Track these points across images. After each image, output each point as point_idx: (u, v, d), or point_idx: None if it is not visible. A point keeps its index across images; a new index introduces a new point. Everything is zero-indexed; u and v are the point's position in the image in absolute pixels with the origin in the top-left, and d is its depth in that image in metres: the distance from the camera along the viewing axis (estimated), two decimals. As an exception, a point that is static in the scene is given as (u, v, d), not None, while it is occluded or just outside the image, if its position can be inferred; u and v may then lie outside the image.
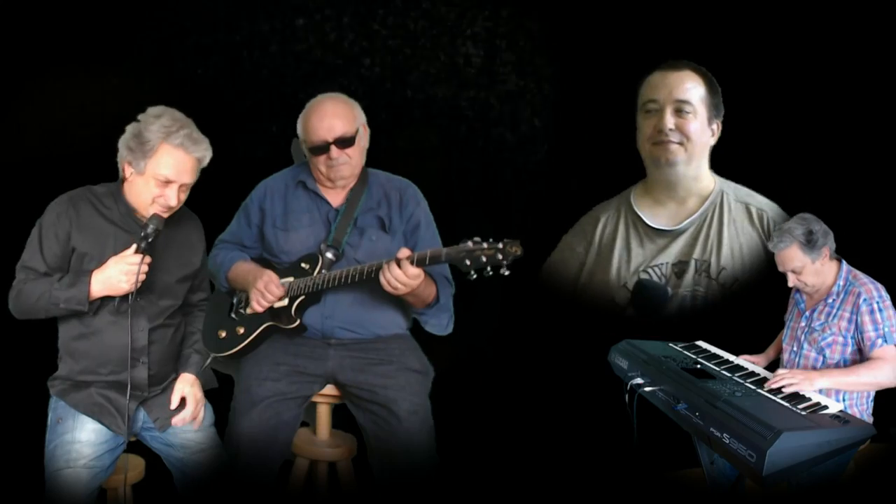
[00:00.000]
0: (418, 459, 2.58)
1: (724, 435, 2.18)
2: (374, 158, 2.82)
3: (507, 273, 2.36)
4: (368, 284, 2.59)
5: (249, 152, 3.50)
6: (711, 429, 2.23)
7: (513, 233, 2.38)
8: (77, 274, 2.43)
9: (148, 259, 2.41)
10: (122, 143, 2.44)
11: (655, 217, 3.15)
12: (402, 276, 2.45)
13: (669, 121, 3.02)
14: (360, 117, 2.73)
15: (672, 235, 3.10)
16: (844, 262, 2.59)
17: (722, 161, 3.15)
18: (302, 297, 2.67)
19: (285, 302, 2.67)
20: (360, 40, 3.57)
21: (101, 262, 2.43)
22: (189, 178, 2.43)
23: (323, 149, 2.66)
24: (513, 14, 3.56)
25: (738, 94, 3.17)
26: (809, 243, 2.51)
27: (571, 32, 3.46)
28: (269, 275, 2.65)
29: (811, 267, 2.54)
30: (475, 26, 3.57)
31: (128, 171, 2.44)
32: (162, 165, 2.39)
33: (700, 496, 2.69)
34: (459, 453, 3.04)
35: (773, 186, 3.14)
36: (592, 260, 3.24)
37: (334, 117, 2.65)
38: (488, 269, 2.36)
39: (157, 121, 2.39)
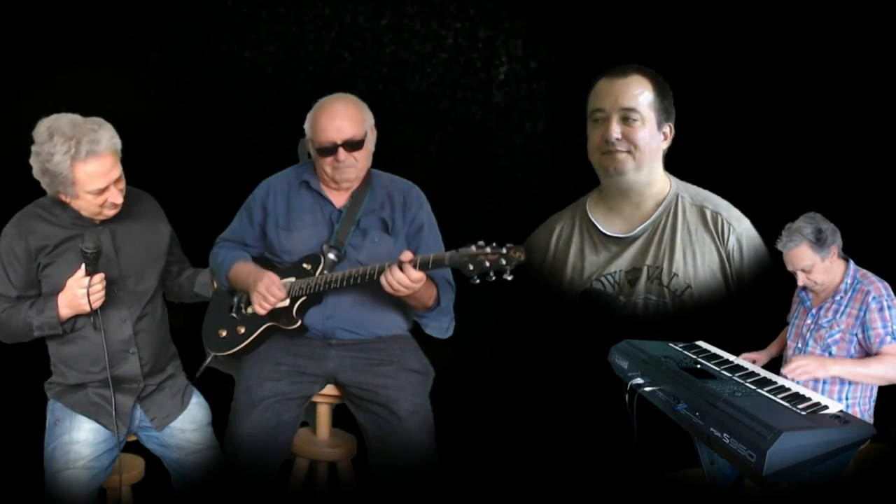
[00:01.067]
0: (418, 459, 2.58)
1: (724, 435, 2.18)
2: (376, 159, 2.82)
3: (510, 278, 2.36)
4: (370, 286, 2.59)
5: (251, 151, 3.50)
6: (711, 429, 2.23)
7: (513, 236, 2.38)
8: (45, 299, 2.44)
9: (99, 276, 2.40)
10: (38, 176, 2.39)
11: (610, 224, 3.10)
12: (405, 280, 2.45)
13: (615, 130, 2.95)
14: (369, 119, 2.72)
15: (625, 242, 3.05)
16: (851, 260, 2.59)
17: (704, 163, 3.14)
18: (303, 298, 2.66)
19: (287, 302, 2.67)
20: (362, 41, 3.57)
21: (67, 268, 2.44)
22: (117, 171, 2.40)
23: (331, 150, 2.65)
24: (513, 15, 3.57)
25: (726, 95, 3.17)
26: (819, 242, 2.51)
27: (572, 34, 3.46)
28: (271, 277, 2.65)
29: (821, 265, 2.54)
30: (476, 28, 3.57)
31: (63, 197, 2.42)
32: (88, 183, 2.35)
33: (700, 496, 2.69)
34: (459, 453, 3.04)
35: (755, 189, 3.13)
36: (548, 270, 3.22)
37: (344, 119, 2.65)
38: (491, 273, 2.36)
39: (52, 147, 2.31)
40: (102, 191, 2.39)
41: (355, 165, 2.69)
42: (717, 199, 3.05)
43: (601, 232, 3.09)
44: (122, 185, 2.45)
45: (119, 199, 2.43)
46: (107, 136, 2.36)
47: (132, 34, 3.40)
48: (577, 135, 3.21)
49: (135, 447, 2.65)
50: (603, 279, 3.07)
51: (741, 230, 2.97)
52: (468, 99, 3.62)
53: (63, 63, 3.26)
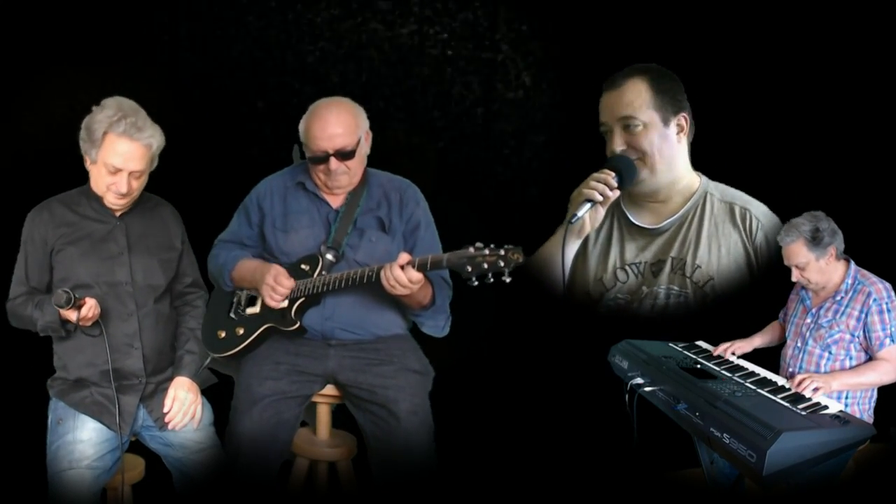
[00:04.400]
0: (417, 460, 2.58)
1: (724, 435, 2.18)
2: (375, 159, 2.82)
3: (508, 280, 2.36)
4: (368, 287, 2.59)
5: (249, 152, 3.50)
6: (711, 429, 2.24)
7: (512, 238, 2.38)
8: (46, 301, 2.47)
9: (89, 305, 2.40)
10: (80, 137, 2.51)
11: (639, 216, 3.13)
12: (404, 279, 2.45)
13: (618, 143, 2.94)
14: (363, 125, 2.71)
15: (653, 234, 3.08)
16: (852, 261, 2.59)
17: (719, 162, 3.14)
18: (302, 299, 2.66)
19: (285, 303, 2.67)
20: (360, 41, 3.57)
21: (78, 258, 2.50)
22: (138, 165, 2.48)
23: (322, 159, 2.65)
24: (513, 15, 3.57)
25: (742, 95, 3.16)
26: (815, 240, 2.51)
27: (573, 33, 3.46)
28: (277, 268, 2.65)
29: (815, 264, 2.54)
30: (474, 26, 3.57)
31: (87, 162, 2.53)
32: (110, 155, 2.45)
33: (700, 496, 2.69)
34: (459, 454, 3.04)
35: (772, 188, 3.13)
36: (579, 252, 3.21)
37: (336, 127, 2.63)
38: (490, 275, 2.36)
39: (103, 112, 2.45)
40: (115, 172, 2.45)
41: (347, 173, 2.69)
42: (748, 197, 3.05)
43: (631, 222, 3.10)
44: (137, 185, 2.52)
45: (123, 190, 2.47)
46: (151, 133, 2.47)
47: (132, 34, 3.40)
48: (575, 135, 3.21)
49: (135, 447, 2.65)
50: (627, 268, 3.08)
51: (770, 227, 2.97)
52: (467, 98, 3.62)
53: (64, 63, 3.26)
